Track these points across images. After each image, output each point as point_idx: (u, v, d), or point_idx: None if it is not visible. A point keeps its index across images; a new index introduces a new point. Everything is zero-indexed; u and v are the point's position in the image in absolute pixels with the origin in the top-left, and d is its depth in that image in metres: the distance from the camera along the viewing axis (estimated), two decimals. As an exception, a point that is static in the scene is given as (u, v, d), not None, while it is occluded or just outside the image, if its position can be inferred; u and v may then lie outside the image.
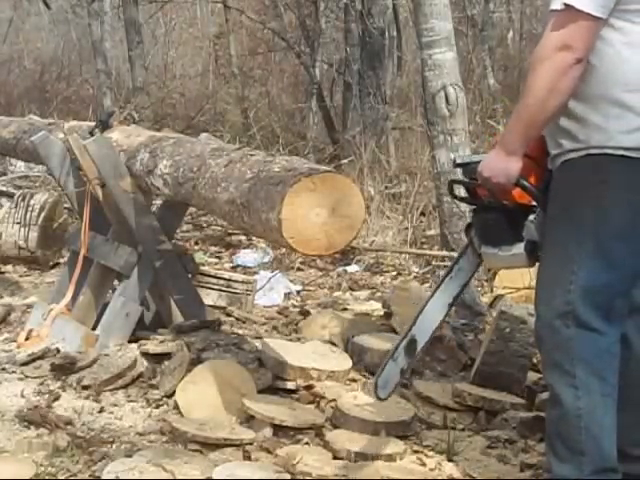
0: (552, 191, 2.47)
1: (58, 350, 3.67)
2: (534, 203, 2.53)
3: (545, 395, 3.03)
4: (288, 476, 2.72)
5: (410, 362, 2.82)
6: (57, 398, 3.30)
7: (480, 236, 2.64)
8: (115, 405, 3.30)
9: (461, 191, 2.71)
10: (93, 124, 4.18)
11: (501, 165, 2.44)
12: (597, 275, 2.38)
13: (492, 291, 5.01)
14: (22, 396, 3.33)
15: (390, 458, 2.88)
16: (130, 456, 2.84)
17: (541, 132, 2.44)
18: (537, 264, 2.57)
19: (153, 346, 3.58)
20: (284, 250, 5.86)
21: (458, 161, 2.65)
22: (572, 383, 2.40)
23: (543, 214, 2.51)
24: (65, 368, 3.48)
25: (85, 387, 3.37)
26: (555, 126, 2.42)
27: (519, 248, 2.55)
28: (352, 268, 5.96)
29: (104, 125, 4.03)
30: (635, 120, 2.33)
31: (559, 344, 2.41)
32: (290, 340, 3.92)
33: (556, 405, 2.45)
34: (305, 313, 4.54)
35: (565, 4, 2.28)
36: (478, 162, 2.52)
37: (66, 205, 5.62)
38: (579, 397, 2.40)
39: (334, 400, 3.22)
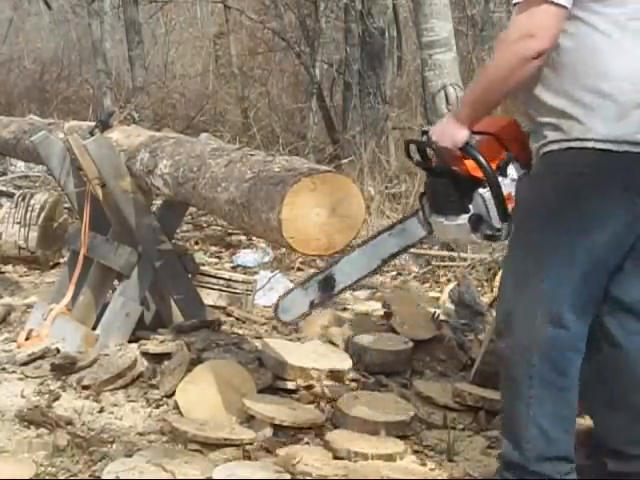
0: (531, 180, 2.49)
1: (58, 350, 3.67)
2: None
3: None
4: (288, 476, 2.72)
5: (322, 298, 2.79)
6: (57, 398, 3.30)
7: (430, 203, 2.64)
8: (115, 405, 3.30)
9: (417, 155, 2.70)
10: (93, 124, 4.18)
11: (449, 130, 2.50)
12: (572, 267, 2.38)
13: (492, 291, 5.01)
14: (22, 396, 3.33)
15: (390, 458, 2.87)
16: (130, 456, 2.84)
17: (489, 112, 2.48)
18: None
19: (153, 346, 3.58)
20: (284, 250, 5.85)
21: (424, 129, 2.69)
22: (528, 372, 2.42)
23: (493, 196, 2.51)
24: (65, 368, 3.48)
25: (85, 387, 3.37)
26: (539, 122, 2.44)
27: (464, 219, 2.55)
28: (352, 268, 5.95)
29: (104, 125, 4.03)
30: (614, 110, 2.32)
31: (526, 333, 2.42)
32: (290, 340, 3.92)
33: (508, 386, 2.48)
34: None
35: None
36: None
37: (66, 205, 5.62)
38: (532, 386, 2.42)
39: (334, 400, 3.22)
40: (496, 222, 2.55)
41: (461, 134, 2.49)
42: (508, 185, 2.56)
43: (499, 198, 2.53)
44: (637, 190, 2.36)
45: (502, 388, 2.56)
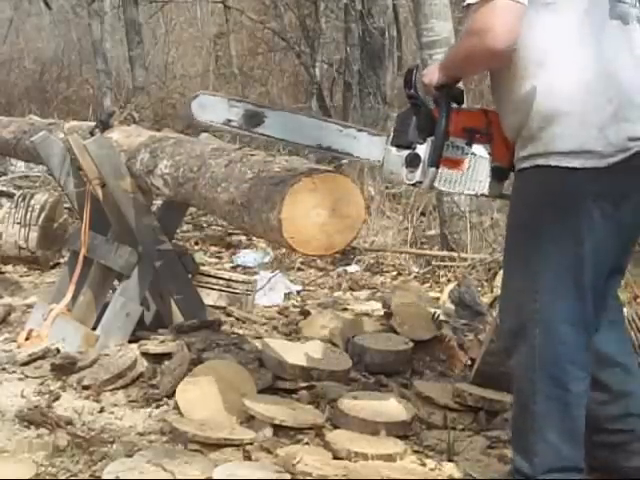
0: (512, 198, 2.53)
1: (58, 350, 3.67)
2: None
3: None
4: (288, 476, 2.72)
5: (239, 125, 2.72)
6: (57, 398, 3.30)
7: (393, 133, 2.65)
8: (115, 405, 3.30)
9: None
10: (93, 124, 4.18)
11: (432, 69, 2.59)
12: (560, 282, 2.42)
13: (492, 291, 5.01)
14: (22, 396, 3.32)
15: (390, 458, 2.87)
16: (130, 456, 2.83)
17: (455, 77, 2.58)
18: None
19: (153, 346, 3.58)
20: (284, 250, 5.86)
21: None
22: (532, 388, 2.47)
23: (435, 140, 2.54)
24: (65, 368, 3.48)
25: (85, 387, 3.37)
26: (512, 136, 2.48)
27: (404, 154, 2.58)
28: (352, 268, 5.96)
29: (104, 125, 4.03)
30: (571, 122, 2.35)
31: (525, 349, 2.46)
32: (290, 340, 3.92)
33: (516, 402, 2.55)
34: (305, 313, 4.54)
35: None
36: None
37: (66, 205, 5.62)
38: (535, 402, 2.46)
39: (334, 400, 3.22)
40: (425, 167, 2.56)
41: (436, 76, 2.56)
42: (465, 154, 2.58)
43: (437, 145, 2.55)
44: (607, 200, 2.39)
45: (513, 402, 2.62)
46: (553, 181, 2.39)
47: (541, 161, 2.39)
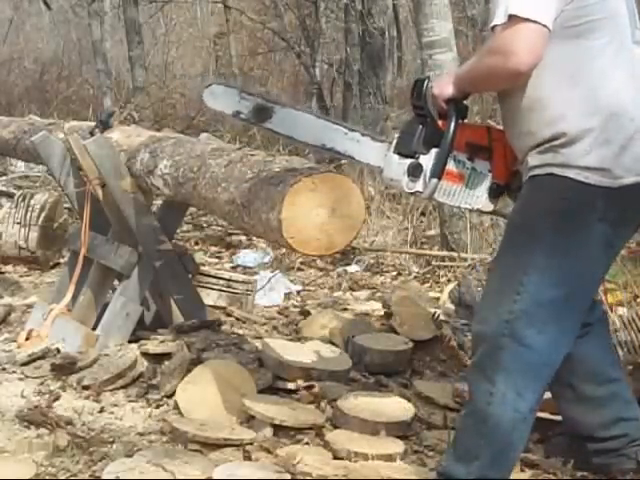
0: (519, 202, 2.54)
1: (58, 350, 3.67)
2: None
3: (545, 395, 3.03)
4: (288, 476, 2.72)
5: (247, 118, 2.78)
6: (57, 398, 3.30)
7: (397, 141, 2.67)
8: (115, 405, 3.30)
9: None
10: (93, 124, 4.18)
11: (443, 81, 2.61)
12: (543, 291, 2.41)
13: (492, 291, 4.99)
14: (22, 396, 3.32)
15: (390, 458, 2.87)
16: (130, 456, 2.83)
17: (467, 92, 2.59)
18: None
19: (153, 346, 3.58)
20: (284, 250, 5.85)
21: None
22: (489, 390, 2.45)
23: (439, 152, 2.56)
24: (65, 368, 3.48)
25: (85, 387, 3.37)
26: (526, 144, 2.49)
27: (406, 163, 2.60)
28: (352, 268, 5.96)
29: (104, 125, 4.02)
30: (596, 141, 2.37)
31: (490, 349, 2.46)
32: (290, 340, 3.92)
33: (469, 404, 2.54)
34: (305, 313, 4.54)
35: (510, 15, 2.31)
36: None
37: (66, 205, 5.62)
38: (491, 404, 2.45)
39: (334, 400, 3.22)
40: (427, 177, 2.58)
41: (449, 89, 2.57)
42: (466, 169, 2.61)
43: (441, 157, 2.57)
44: (610, 223, 2.41)
45: (465, 404, 2.62)
46: (568, 192, 2.40)
47: (558, 171, 2.40)
